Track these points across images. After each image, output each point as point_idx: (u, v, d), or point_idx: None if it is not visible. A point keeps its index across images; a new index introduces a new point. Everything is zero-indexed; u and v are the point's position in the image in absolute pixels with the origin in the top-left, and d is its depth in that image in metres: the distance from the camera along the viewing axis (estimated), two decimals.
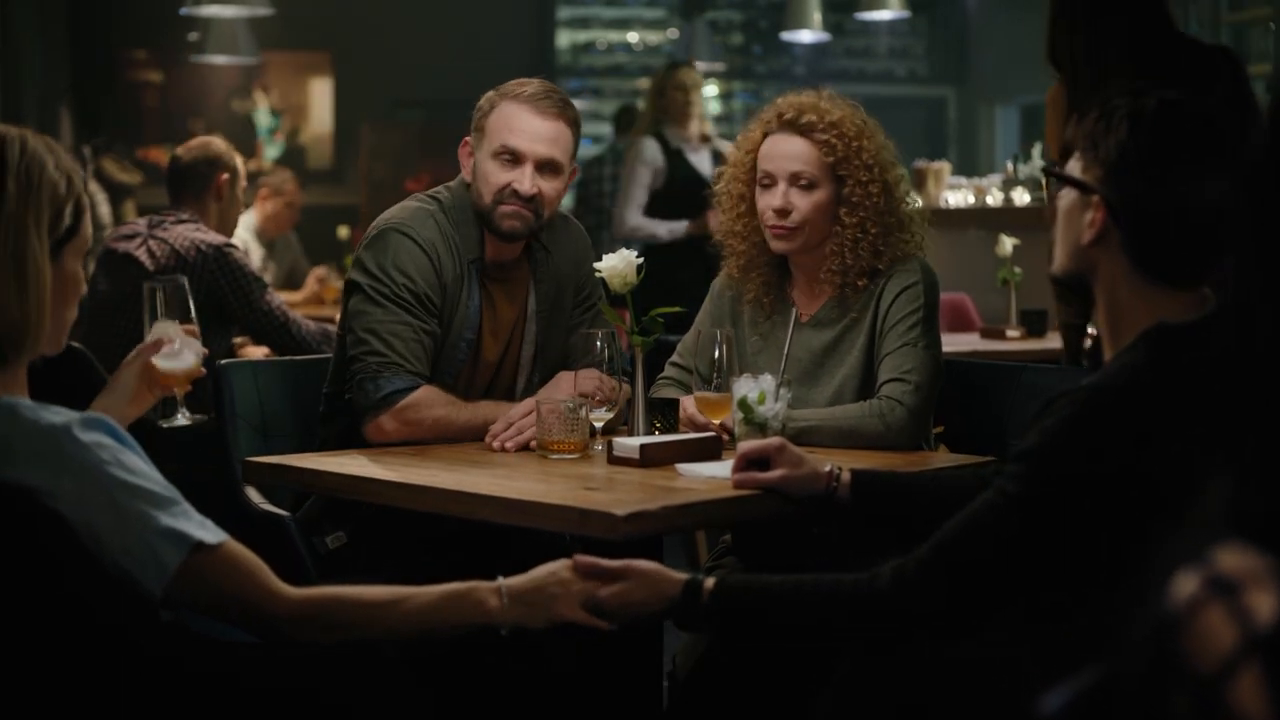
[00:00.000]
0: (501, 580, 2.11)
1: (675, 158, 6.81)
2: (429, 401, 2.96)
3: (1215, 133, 1.96)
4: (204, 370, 2.65)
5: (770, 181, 3.02)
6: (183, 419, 2.67)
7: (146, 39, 10.08)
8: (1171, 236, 1.96)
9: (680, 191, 6.70)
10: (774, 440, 2.50)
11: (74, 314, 2.07)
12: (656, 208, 6.78)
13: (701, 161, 6.81)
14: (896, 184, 3.03)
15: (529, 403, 2.93)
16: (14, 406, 1.93)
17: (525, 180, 3.06)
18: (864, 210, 2.98)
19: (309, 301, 6.66)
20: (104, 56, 9.97)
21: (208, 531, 1.96)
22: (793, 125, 3.01)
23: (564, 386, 3.00)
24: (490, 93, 3.15)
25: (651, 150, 6.81)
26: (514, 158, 3.07)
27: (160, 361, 2.57)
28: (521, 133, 3.06)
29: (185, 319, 2.67)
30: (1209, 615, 0.98)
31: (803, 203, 2.99)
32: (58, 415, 1.93)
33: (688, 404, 2.95)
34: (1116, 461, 1.89)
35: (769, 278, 3.10)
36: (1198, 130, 1.96)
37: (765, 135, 3.05)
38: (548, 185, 3.09)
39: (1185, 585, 1.00)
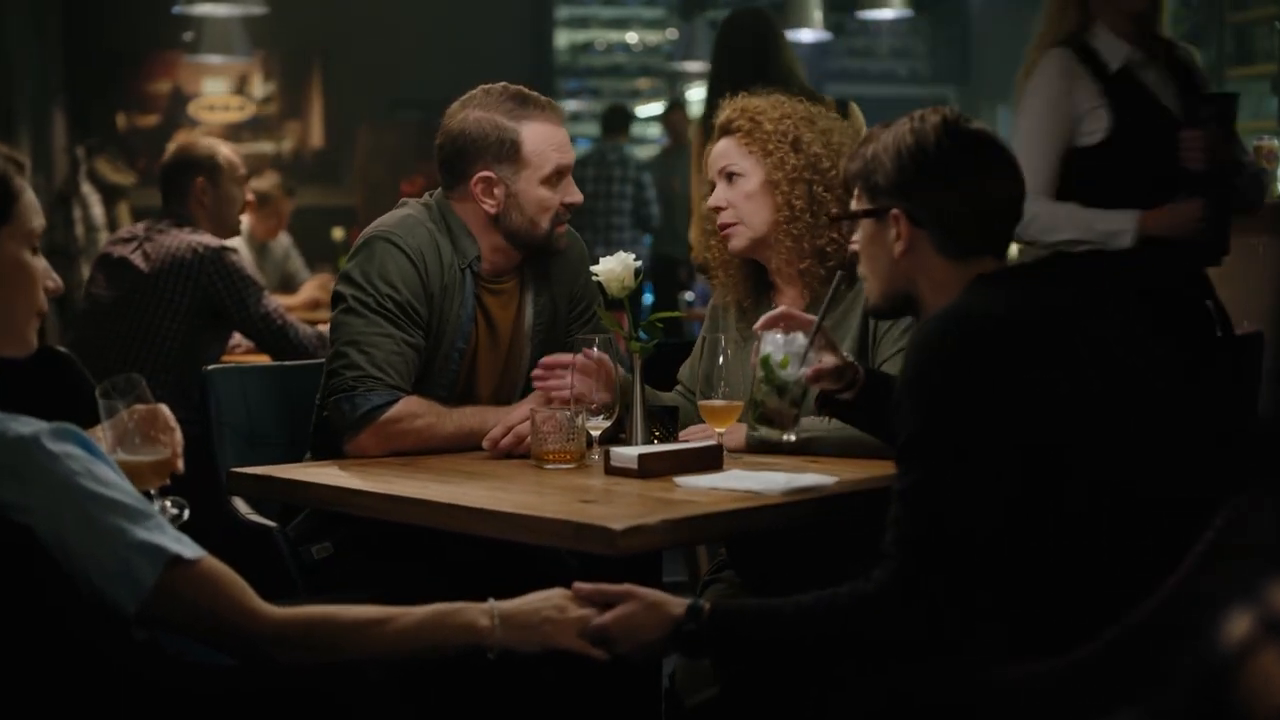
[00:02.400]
0: (493, 602, 2.03)
1: (1117, 83, 3.65)
2: (411, 413, 2.87)
3: (989, 140, 2.22)
4: (179, 466, 2.22)
5: (711, 187, 3.05)
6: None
7: (141, 39, 10.01)
8: (973, 220, 2.19)
9: (1131, 148, 3.64)
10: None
11: (33, 307, 1.99)
12: (1087, 181, 3.64)
13: (1166, 86, 3.71)
14: (834, 156, 2.97)
15: (525, 406, 2.85)
16: None
17: (574, 190, 3.06)
18: (790, 184, 2.94)
19: (305, 306, 6.57)
20: (98, 57, 9.89)
21: (184, 546, 1.89)
22: (721, 130, 3.06)
23: None
24: (494, 119, 2.99)
25: (1061, 68, 3.67)
26: (561, 175, 3.03)
27: (127, 457, 2.15)
28: (562, 148, 3.04)
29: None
30: (1264, 659, 0.90)
31: (733, 194, 3.00)
32: (26, 426, 1.86)
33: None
34: (982, 374, 2.01)
35: (742, 280, 3.07)
36: (973, 138, 2.21)
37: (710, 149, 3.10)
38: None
39: (1238, 626, 0.91)
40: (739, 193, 2.99)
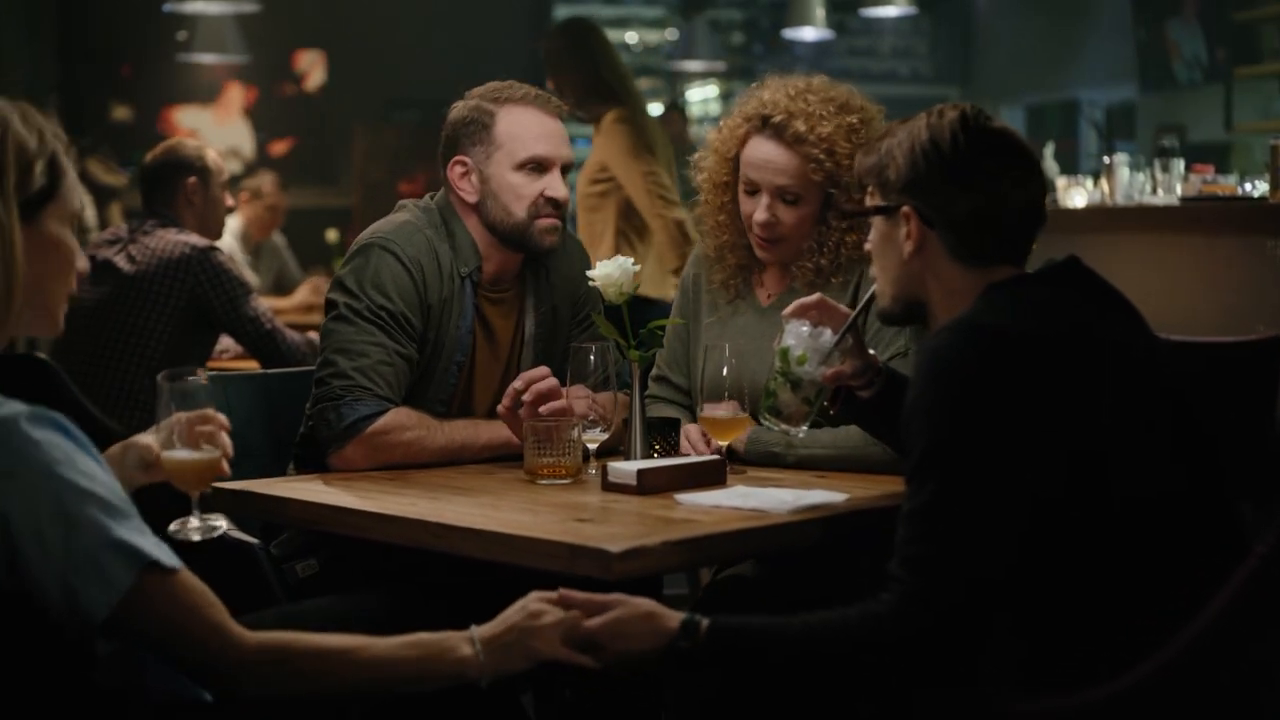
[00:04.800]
0: (474, 629, 1.94)
1: None
2: (400, 425, 2.77)
3: (1010, 141, 2.14)
4: (227, 469, 2.17)
5: (754, 190, 2.87)
6: (194, 531, 2.15)
7: (135, 39, 9.92)
8: (986, 226, 2.11)
9: None
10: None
11: (67, 287, 1.93)
12: None
13: None
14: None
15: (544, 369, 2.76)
16: None
17: (559, 185, 2.92)
18: (852, 219, 2.81)
19: (298, 309, 6.48)
20: (92, 57, 9.81)
21: (164, 553, 1.79)
22: (779, 133, 2.83)
23: None
24: (476, 102, 2.95)
25: None
26: (541, 166, 2.91)
27: (170, 455, 2.12)
28: (545, 138, 2.92)
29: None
30: None
31: (788, 216, 2.85)
32: (4, 407, 1.74)
33: (690, 431, 2.76)
34: (991, 382, 1.93)
35: (743, 260, 2.96)
36: (992, 139, 2.14)
37: (749, 135, 2.88)
38: (567, 189, 2.96)
39: None
40: (795, 216, 2.84)
